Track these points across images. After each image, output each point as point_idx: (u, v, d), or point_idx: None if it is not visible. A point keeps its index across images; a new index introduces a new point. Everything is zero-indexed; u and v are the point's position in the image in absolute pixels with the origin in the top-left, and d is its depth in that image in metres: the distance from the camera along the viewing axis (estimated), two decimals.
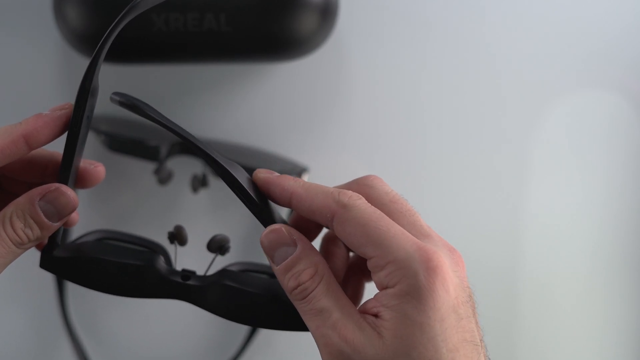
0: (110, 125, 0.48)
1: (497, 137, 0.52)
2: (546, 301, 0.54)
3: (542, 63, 0.52)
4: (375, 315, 0.29)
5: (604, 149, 0.53)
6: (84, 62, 0.48)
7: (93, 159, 0.35)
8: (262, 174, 0.33)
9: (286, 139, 0.51)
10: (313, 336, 0.30)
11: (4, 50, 0.50)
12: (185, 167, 0.50)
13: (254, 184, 0.32)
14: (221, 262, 0.36)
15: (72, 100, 0.31)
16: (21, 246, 0.31)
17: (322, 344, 0.29)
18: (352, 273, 0.35)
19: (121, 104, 0.30)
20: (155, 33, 0.43)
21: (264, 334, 0.52)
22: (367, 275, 0.33)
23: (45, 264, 0.33)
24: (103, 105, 0.50)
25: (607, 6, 0.52)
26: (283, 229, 0.31)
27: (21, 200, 0.31)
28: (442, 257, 0.29)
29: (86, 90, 0.30)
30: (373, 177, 0.33)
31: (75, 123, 0.30)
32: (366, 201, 0.30)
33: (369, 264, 0.30)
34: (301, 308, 0.30)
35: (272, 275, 0.34)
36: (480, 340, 0.30)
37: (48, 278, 0.51)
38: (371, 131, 0.52)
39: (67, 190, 0.31)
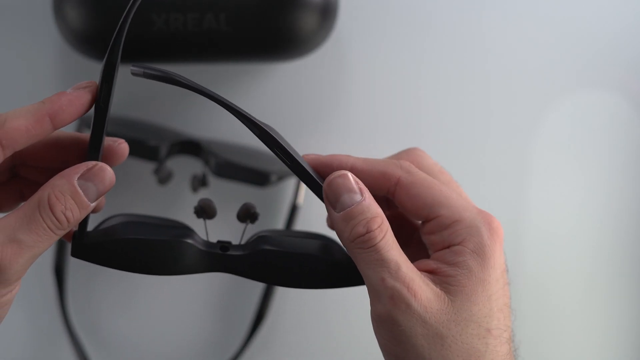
0: (110, 125, 0.48)
1: (497, 137, 0.52)
2: (547, 301, 0.54)
3: (543, 63, 0.52)
4: (434, 273, 0.30)
5: (605, 149, 0.53)
6: (83, 62, 0.48)
7: (112, 137, 0.34)
8: (309, 156, 0.33)
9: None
10: (373, 287, 0.29)
11: (4, 50, 0.50)
12: (185, 167, 0.50)
13: (293, 149, 0.32)
14: (250, 231, 0.36)
15: (82, 81, 0.30)
16: (59, 231, 0.29)
17: (388, 297, 0.29)
18: (399, 226, 0.35)
19: (146, 75, 0.29)
20: (155, 33, 0.43)
21: (263, 334, 0.52)
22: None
23: (77, 252, 0.31)
24: None
25: (608, 6, 0.52)
26: (350, 175, 0.30)
27: (57, 180, 0.29)
28: (499, 222, 0.31)
29: (112, 63, 0.29)
30: (420, 150, 0.34)
31: (103, 100, 0.30)
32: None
33: (430, 225, 0.31)
34: (364, 257, 0.29)
35: (306, 237, 0.34)
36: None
37: (48, 278, 0.51)
38: (371, 131, 0.52)
39: (105, 166, 0.30)
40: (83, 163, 0.30)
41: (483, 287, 0.29)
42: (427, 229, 0.31)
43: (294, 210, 0.50)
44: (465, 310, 0.29)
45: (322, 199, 0.31)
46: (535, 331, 0.54)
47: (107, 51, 0.29)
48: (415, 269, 0.30)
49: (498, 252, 0.30)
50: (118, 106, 0.50)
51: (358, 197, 0.30)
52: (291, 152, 0.31)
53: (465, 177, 0.52)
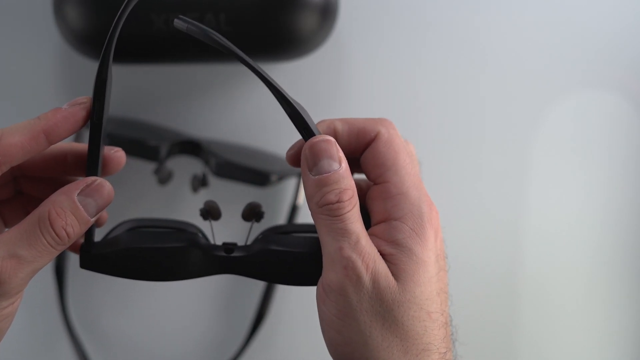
0: (111, 125, 0.48)
1: (497, 137, 0.52)
2: (546, 301, 0.54)
3: (543, 63, 0.52)
4: (381, 252, 0.30)
5: (605, 149, 0.53)
6: (84, 62, 0.48)
7: (109, 146, 0.35)
8: (291, 148, 0.33)
9: (286, 139, 0.51)
10: (329, 255, 0.30)
11: (4, 50, 0.50)
12: (185, 167, 0.50)
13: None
14: (255, 229, 0.36)
15: (78, 97, 0.31)
16: (59, 246, 0.30)
17: (342, 266, 0.29)
18: None
19: (189, 30, 0.29)
20: (155, 33, 0.43)
21: (264, 333, 0.52)
22: None
23: (85, 263, 0.32)
24: None
25: (608, 6, 0.52)
26: (334, 142, 0.31)
27: (58, 196, 0.30)
28: (437, 211, 0.31)
29: (103, 81, 0.30)
30: (389, 120, 0.34)
31: (97, 115, 0.30)
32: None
33: (377, 190, 0.31)
34: (328, 225, 0.30)
35: (310, 231, 0.34)
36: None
37: (48, 278, 0.51)
38: None
39: (105, 181, 0.31)
40: (83, 179, 0.31)
41: (424, 269, 0.29)
42: (373, 193, 0.31)
43: (294, 210, 0.50)
44: (409, 292, 0.29)
45: None
46: (536, 330, 0.54)
47: (97, 69, 0.30)
48: (372, 245, 0.30)
49: (433, 236, 0.30)
50: (118, 106, 0.50)
51: (336, 165, 0.30)
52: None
53: (465, 177, 0.53)
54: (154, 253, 0.32)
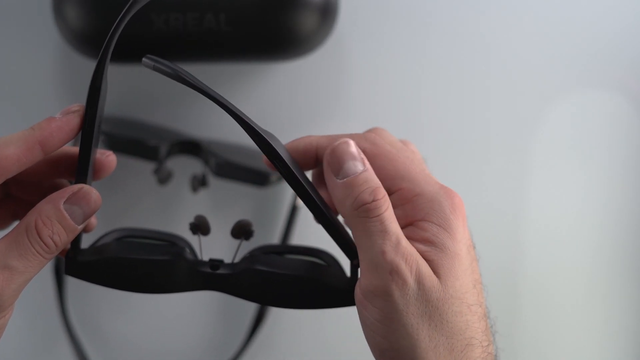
0: (110, 125, 0.48)
1: (497, 137, 0.52)
2: (547, 300, 0.54)
3: (543, 63, 0.52)
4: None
5: (605, 148, 0.53)
6: (83, 62, 0.48)
7: (101, 150, 0.35)
8: (287, 144, 0.33)
9: (286, 139, 0.51)
10: (371, 260, 0.29)
11: (3, 50, 0.50)
12: (184, 167, 0.50)
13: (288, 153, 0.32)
14: (245, 247, 0.36)
15: (75, 102, 0.31)
16: (48, 255, 0.29)
17: (387, 271, 0.28)
18: None
19: (156, 69, 0.29)
20: (155, 33, 0.43)
21: (264, 334, 0.52)
22: None
23: (71, 270, 0.32)
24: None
25: (608, 6, 0.52)
26: (353, 143, 0.30)
27: (44, 205, 0.29)
28: (461, 198, 0.30)
29: (97, 89, 0.30)
30: (381, 128, 0.33)
31: (89, 123, 0.30)
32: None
33: (393, 199, 0.30)
34: (368, 227, 0.29)
35: (301, 253, 0.34)
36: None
37: (48, 278, 0.51)
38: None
39: (91, 189, 0.30)
40: (69, 187, 0.30)
41: (459, 262, 0.29)
42: (393, 199, 0.31)
43: (294, 210, 0.50)
44: (451, 287, 0.28)
45: (316, 218, 0.31)
46: (536, 330, 0.54)
47: (92, 76, 0.29)
48: (410, 245, 0.29)
49: (461, 226, 0.30)
50: (118, 106, 0.50)
51: (361, 166, 0.30)
52: (289, 164, 0.30)
53: (465, 177, 0.53)
54: (139, 264, 0.32)
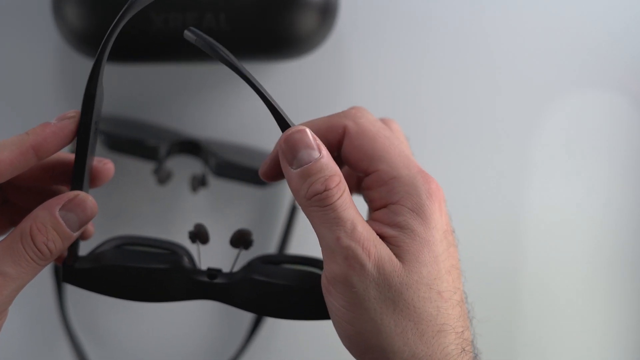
0: (110, 125, 0.48)
1: (497, 136, 0.52)
2: (547, 300, 0.54)
3: (543, 62, 0.52)
4: (379, 235, 0.29)
5: (605, 148, 0.53)
6: (83, 62, 0.48)
7: (100, 158, 0.35)
8: (263, 166, 0.33)
9: None
10: (328, 247, 0.29)
11: (3, 50, 0.50)
12: (184, 167, 0.50)
13: None
14: (244, 256, 0.36)
15: (75, 102, 0.31)
16: (43, 262, 0.29)
17: (343, 257, 0.28)
18: None
19: (197, 43, 0.29)
20: (155, 32, 0.43)
21: (264, 334, 0.52)
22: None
23: (68, 277, 0.32)
24: (103, 106, 0.50)
25: (608, 5, 0.52)
26: (308, 131, 0.30)
27: (39, 212, 0.29)
28: (437, 184, 0.30)
29: (91, 96, 0.30)
30: (360, 107, 0.33)
31: (84, 130, 0.30)
32: (373, 116, 0.31)
33: (369, 180, 0.30)
34: (320, 216, 0.29)
35: (300, 263, 0.34)
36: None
37: (47, 279, 0.51)
38: None
39: (87, 196, 0.30)
40: (65, 194, 0.30)
41: (429, 248, 0.28)
42: (366, 183, 0.31)
43: (294, 210, 0.50)
44: (415, 273, 0.28)
45: None
46: (536, 330, 0.54)
47: (86, 83, 0.29)
48: (370, 229, 0.29)
49: (437, 212, 0.29)
50: (118, 106, 0.50)
51: (316, 154, 0.29)
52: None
53: (465, 176, 0.53)
54: (137, 272, 0.32)
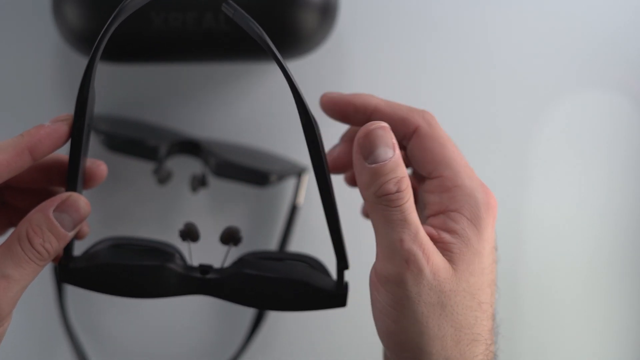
0: (110, 125, 0.48)
1: (497, 136, 0.52)
2: (547, 298, 0.54)
3: (543, 62, 0.52)
4: (434, 240, 0.30)
5: (605, 148, 0.53)
6: (83, 62, 0.48)
7: (92, 159, 0.35)
8: (334, 94, 0.33)
9: (286, 139, 0.51)
10: (388, 247, 0.29)
11: (3, 50, 0.50)
12: (184, 167, 0.50)
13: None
14: (235, 253, 0.36)
15: (72, 104, 0.31)
16: (42, 262, 0.30)
17: (404, 259, 0.29)
18: None
19: (235, 17, 0.30)
20: (154, 32, 0.43)
21: (263, 333, 0.52)
22: None
23: (64, 277, 0.33)
24: (103, 106, 0.50)
25: (608, 5, 0.52)
26: (389, 128, 0.30)
27: (34, 214, 0.30)
28: (495, 198, 0.31)
29: (84, 99, 0.31)
30: (430, 113, 0.33)
31: (77, 132, 0.31)
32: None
33: (432, 184, 0.31)
34: (388, 215, 0.29)
35: (290, 259, 0.35)
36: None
37: (47, 279, 0.51)
38: None
39: (80, 197, 0.31)
40: (58, 195, 0.31)
41: (479, 259, 0.29)
42: (427, 187, 0.31)
43: (294, 210, 0.50)
44: (464, 281, 0.29)
45: (323, 196, 0.31)
46: (536, 328, 0.54)
47: (79, 87, 0.30)
48: (427, 236, 0.29)
49: (490, 227, 0.30)
50: (118, 106, 0.50)
51: (391, 152, 0.29)
52: (322, 156, 0.31)
53: None
54: (130, 270, 0.32)
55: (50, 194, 0.32)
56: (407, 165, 0.35)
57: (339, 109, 0.32)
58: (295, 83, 0.29)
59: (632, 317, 0.55)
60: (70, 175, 0.31)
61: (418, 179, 0.34)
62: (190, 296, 0.52)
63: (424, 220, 0.32)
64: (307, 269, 0.34)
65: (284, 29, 0.43)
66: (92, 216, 0.51)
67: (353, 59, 0.51)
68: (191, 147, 0.48)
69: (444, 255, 0.29)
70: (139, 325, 0.53)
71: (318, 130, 0.31)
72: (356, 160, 0.30)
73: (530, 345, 0.54)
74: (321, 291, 0.32)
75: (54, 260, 0.33)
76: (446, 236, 0.30)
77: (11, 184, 0.34)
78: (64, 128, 0.31)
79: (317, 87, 0.51)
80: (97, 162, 0.35)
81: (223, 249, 0.36)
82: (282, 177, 0.47)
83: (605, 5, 0.52)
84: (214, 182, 0.50)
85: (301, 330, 0.53)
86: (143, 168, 0.50)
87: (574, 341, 0.55)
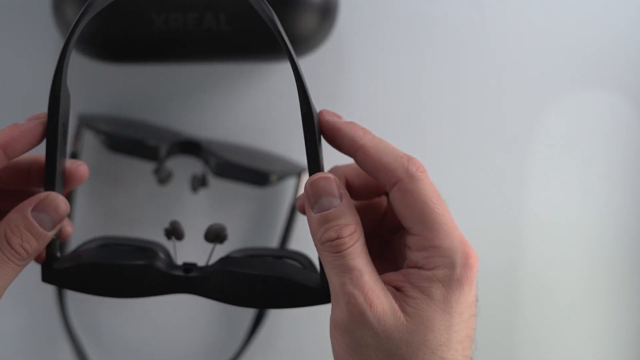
0: (110, 125, 0.48)
1: (497, 136, 0.52)
2: (547, 299, 0.54)
3: (542, 62, 0.52)
4: (398, 289, 0.30)
5: (604, 148, 0.53)
6: (83, 62, 0.48)
7: (93, 159, 0.36)
8: (330, 116, 0.33)
9: (286, 139, 0.51)
10: (334, 291, 0.30)
11: (3, 50, 0.50)
12: (184, 167, 0.50)
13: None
14: (221, 251, 0.36)
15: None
16: (21, 262, 0.30)
17: (344, 302, 0.29)
18: (377, 236, 0.36)
19: (253, 2, 0.30)
20: (155, 33, 0.43)
21: (263, 333, 0.52)
22: (397, 243, 0.34)
23: (47, 277, 0.33)
24: (103, 106, 0.50)
25: (608, 5, 0.52)
26: (334, 179, 0.31)
27: (12, 215, 0.30)
28: (477, 256, 0.30)
29: (56, 98, 0.31)
30: (420, 163, 0.33)
31: (51, 132, 0.31)
32: (429, 178, 0.31)
33: (411, 240, 0.30)
34: (331, 261, 0.30)
35: (274, 257, 0.35)
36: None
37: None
38: (371, 130, 0.52)
39: (58, 196, 0.31)
40: (36, 195, 0.31)
41: (442, 317, 0.29)
42: (407, 241, 0.31)
43: (294, 210, 0.50)
44: (419, 334, 0.28)
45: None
46: (536, 329, 0.54)
47: (50, 87, 0.31)
48: (379, 280, 0.29)
49: (467, 286, 0.29)
50: (118, 106, 0.50)
51: (337, 201, 0.30)
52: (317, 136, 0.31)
53: (465, 176, 0.53)
54: (113, 269, 0.32)
55: (30, 195, 0.32)
56: (389, 213, 0.35)
57: (330, 133, 0.32)
58: (299, 69, 0.30)
59: (632, 317, 0.55)
60: (48, 174, 0.31)
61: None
62: (188, 296, 0.52)
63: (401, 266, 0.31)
64: (293, 266, 0.34)
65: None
66: (92, 216, 0.51)
67: (353, 59, 0.51)
68: (191, 147, 0.48)
69: (401, 305, 0.29)
70: (139, 325, 0.53)
71: (317, 122, 0.31)
72: (306, 209, 0.31)
73: (530, 346, 0.54)
74: (305, 288, 0.32)
75: (38, 260, 0.33)
76: (409, 289, 0.29)
77: None
78: (38, 127, 0.31)
79: (317, 87, 0.52)
80: (77, 163, 0.34)
81: (222, 248, 0.36)
82: (282, 177, 0.47)
83: (605, 6, 0.52)
84: (214, 182, 0.50)
85: (301, 330, 0.53)
86: (143, 168, 0.50)
87: (574, 341, 0.55)
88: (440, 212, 0.30)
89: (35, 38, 0.49)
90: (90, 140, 0.49)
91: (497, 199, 0.53)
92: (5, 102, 0.50)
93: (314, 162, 0.31)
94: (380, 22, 0.51)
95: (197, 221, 0.50)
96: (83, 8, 0.29)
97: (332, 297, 0.30)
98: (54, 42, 0.49)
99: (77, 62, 0.49)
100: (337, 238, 0.29)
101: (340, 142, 0.32)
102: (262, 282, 0.32)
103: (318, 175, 0.31)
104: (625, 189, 0.53)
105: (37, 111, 0.50)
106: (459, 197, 0.53)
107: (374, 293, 0.29)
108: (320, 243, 0.30)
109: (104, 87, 0.50)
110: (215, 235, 0.35)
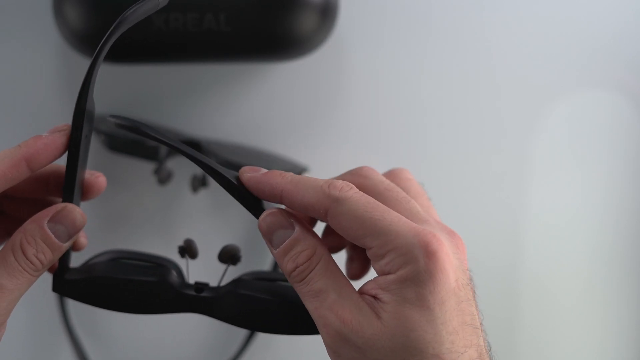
0: (110, 125, 0.48)
1: (497, 136, 0.52)
2: (546, 299, 0.54)
3: (542, 62, 0.52)
4: (374, 297, 0.29)
5: (604, 148, 0.53)
6: (84, 62, 0.48)
7: (93, 159, 0.35)
8: (247, 173, 0.32)
9: (286, 139, 0.51)
10: (313, 318, 0.30)
11: (3, 50, 0.50)
12: (184, 167, 0.50)
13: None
14: (234, 272, 0.36)
15: (72, 104, 0.31)
16: (35, 272, 0.30)
17: (321, 325, 0.29)
18: (357, 250, 0.36)
19: (120, 126, 0.30)
20: (155, 33, 0.43)
21: (263, 334, 0.52)
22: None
23: (57, 288, 0.33)
24: (103, 106, 0.50)
25: (608, 5, 0.52)
26: (279, 212, 0.31)
27: (28, 225, 0.30)
28: (441, 240, 0.29)
29: (82, 111, 0.30)
30: (367, 168, 0.33)
31: (74, 144, 0.31)
32: (358, 190, 0.30)
33: (369, 254, 0.30)
34: (300, 290, 0.30)
35: (287, 281, 0.34)
36: (480, 323, 0.30)
37: (47, 279, 0.51)
38: (371, 131, 0.52)
39: (75, 208, 0.31)
40: (53, 206, 0.31)
41: (420, 314, 0.28)
42: (369, 256, 0.30)
43: None
44: (400, 337, 0.28)
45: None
46: (536, 329, 0.54)
47: (77, 97, 0.30)
48: (351, 294, 0.29)
49: (439, 273, 0.28)
50: (118, 106, 0.50)
51: (289, 232, 0.30)
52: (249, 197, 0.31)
53: (465, 176, 0.53)
54: (125, 284, 0.32)
55: (47, 204, 0.32)
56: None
57: (254, 189, 0.32)
58: (203, 159, 0.32)
59: (631, 317, 0.55)
60: (67, 186, 0.31)
61: None
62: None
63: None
64: None
65: (283, 30, 0.43)
66: (92, 217, 0.51)
67: (353, 59, 0.51)
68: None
69: (377, 312, 0.29)
70: (140, 326, 0.53)
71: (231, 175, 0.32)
72: (270, 250, 0.31)
73: (530, 345, 0.54)
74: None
75: (50, 270, 0.33)
76: (383, 295, 0.29)
77: (8, 194, 0.34)
78: (61, 139, 0.31)
79: (317, 87, 0.52)
80: (96, 174, 0.34)
81: (220, 268, 0.35)
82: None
83: (605, 6, 0.52)
84: (214, 182, 0.50)
85: None
86: (143, 168, 0.50)
87: (574, 341, 0.55)
88: (380, 217, 0.29)
89: (35, 38, 0.49)
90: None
91: (497, 199, 0.53)
92: (5, 102, 0.50)
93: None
94: (380, 23, 0.51)
95: (197, 222, 0.50)
96: (117, 21, 0.29)
97: (315, 323, 0.30)
98: (54, 42, 0.49)
99: (77, 62, 0.49)
100: (296, 267, 0.30)
101: (264, 194, 0.32)
102: (274, 308, 0.32)
103: (264, 213, 0.31)
104: (625, 189, 0.53)
105: (37, 111, 0.50)
106: (459, 198, 0.53)
107: (345, 309, 0.29)
108: (288, 276, 0.30)
109: (104, 87, 0.50)
110: (229, 256, 0.35)
